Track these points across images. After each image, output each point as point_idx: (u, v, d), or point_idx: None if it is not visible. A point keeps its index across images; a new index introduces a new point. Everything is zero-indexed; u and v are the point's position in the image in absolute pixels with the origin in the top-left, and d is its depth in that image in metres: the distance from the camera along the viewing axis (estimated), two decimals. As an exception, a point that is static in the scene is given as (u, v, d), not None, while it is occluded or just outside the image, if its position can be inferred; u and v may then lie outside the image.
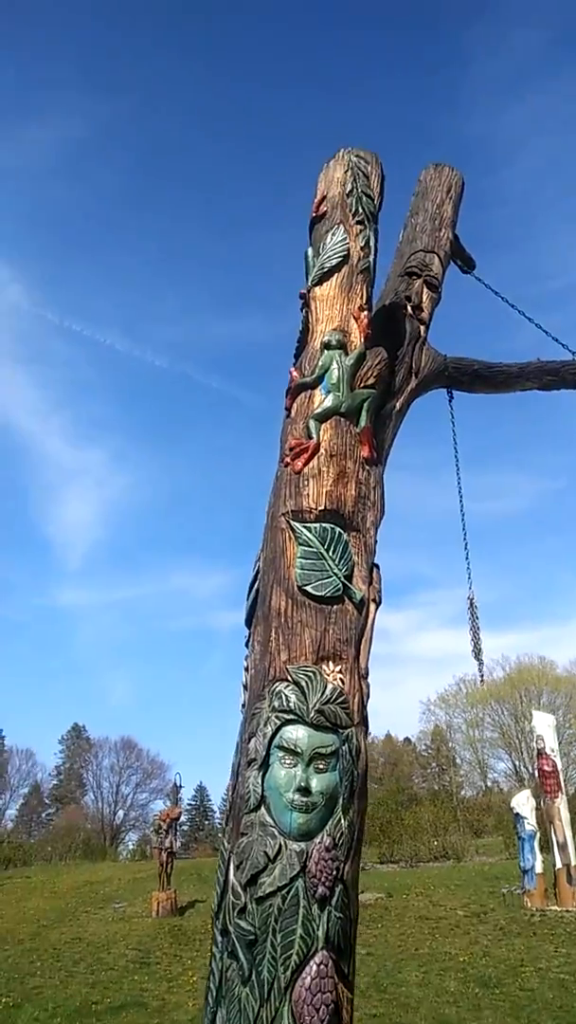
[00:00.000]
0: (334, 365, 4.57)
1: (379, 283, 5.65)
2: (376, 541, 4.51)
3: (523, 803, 20.35)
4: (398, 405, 5.20)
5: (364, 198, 5.07)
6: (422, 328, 5.55)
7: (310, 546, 4.13)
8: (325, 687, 3.77)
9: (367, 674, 4.11)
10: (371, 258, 5.03)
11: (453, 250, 6.17)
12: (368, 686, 4.08)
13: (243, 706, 4.12)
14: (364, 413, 4.55)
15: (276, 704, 3.74)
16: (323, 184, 5.28)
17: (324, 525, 4.19)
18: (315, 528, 4.17)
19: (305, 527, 4.18)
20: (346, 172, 5.13)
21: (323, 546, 4.13)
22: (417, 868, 31.03)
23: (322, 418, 4.45)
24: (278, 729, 3.69)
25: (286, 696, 3.74)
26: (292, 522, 4.21)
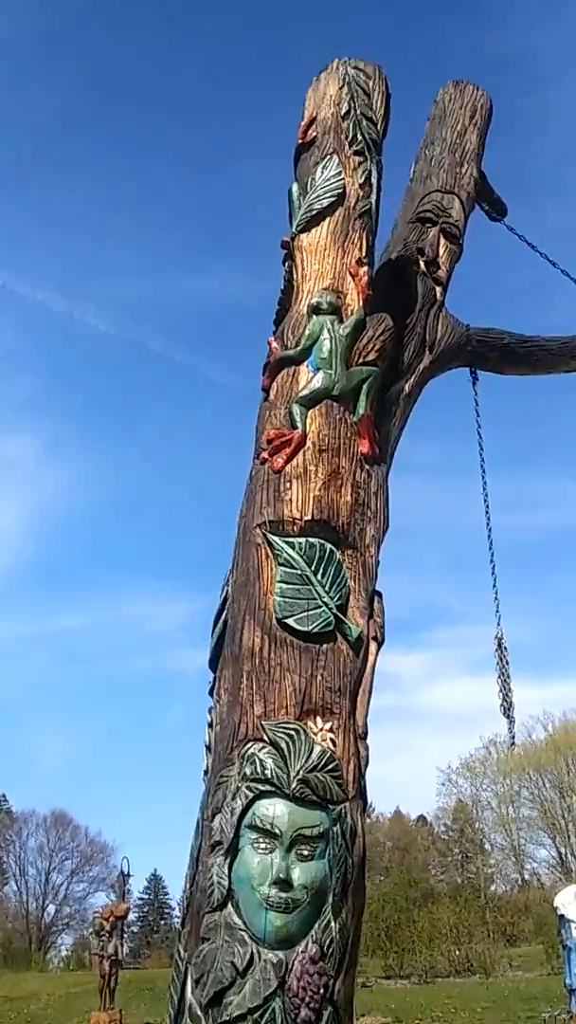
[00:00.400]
0: (325, 335, 4.59)
1: (383, 231, 5.70)
2: (378, 562, 4.52)
3: (570, 902, 20.36)
4: (407, 387, 5.23)
5: (364, 122, 5.12)
6: (438, 290, 5.59)
7: (293, 567, 4.13)
8: (311, 750, 3.76)
9: (365, 733, 4.11)
10: (373, 198, 5.06)
11: (478, 191, 6.23)
12: (367, 748, 4.07)
13: (206, 773, 4.10)
14: (363, 397, 4.57)
15: (248, 771, 3.72)
16: (312, 103, 5.31)
17: (311, 540, 4.20)
18: (299, 544, 4.17)
19: (287, 542, 4.18)
20: (341, 88, 5.17)
21: (309, 567, 4.13)
22: (434, 984, 30.99)
23: (309, 402, 4.46)
24: (250, 803, 3.68)
25: (260, 760, 3.73)
26: (270, 536, 4.21)
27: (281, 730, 3.79)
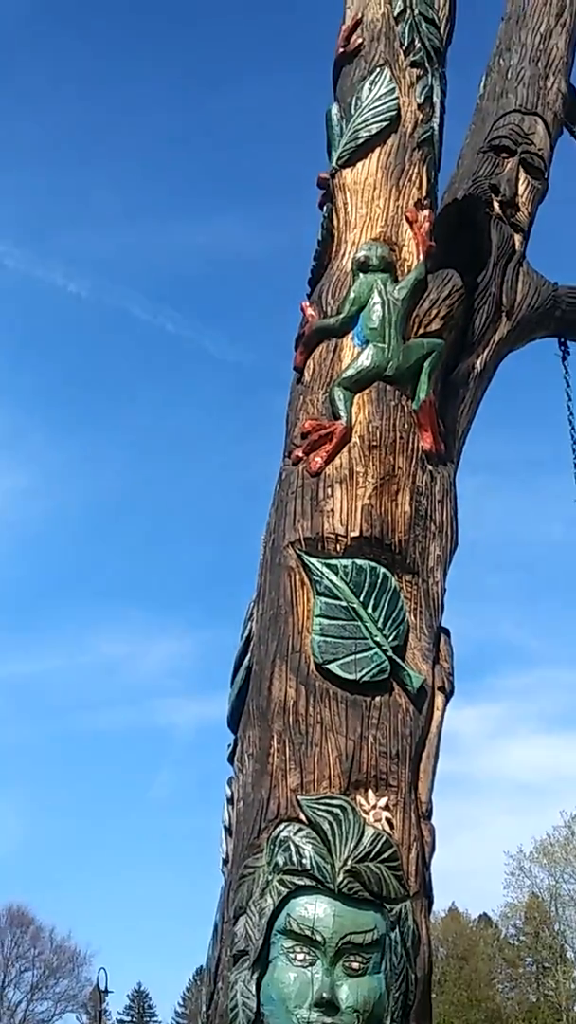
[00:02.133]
0: (375, 298, 4.60)
1: (448, 163, 5.71)
2: (444, 589, 4.53)
3: None
4: (479, 364, 5.22)
5: (423, 24, 5.14)
6: (518, 238, 5.59)
7: (336, 597, 4.14)
8: (361, 832, 3.76)
9: (430, 811, 4.11)
10: (435, 122, 5.07)
11: (568, 110, 6.23)
12: (433, 831, 4.08)
13: (225, 862, 4.11)
14: (424, 378, 4.58)
15: (281, 860, 3.73)
16: (355, 1, 5.34)
17: (359, 563, 4.20)
18: (344, 568, 4.19)
19: (328, 566, 4.19)
20: (393, -18, 5.20)
21: (357, 598, 4.14)
22: None
23: (356, 385, 4.48)
24: (284, 902, 3.68)
25: (297, 847, 3.73)
26: (306, 557, 4.23)
27: (323, 807, 3.79)
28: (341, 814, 3.79)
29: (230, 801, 4.20)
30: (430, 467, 4.54)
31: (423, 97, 5.03)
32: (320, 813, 3.79)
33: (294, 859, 3.72)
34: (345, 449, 4.38)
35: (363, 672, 4.04)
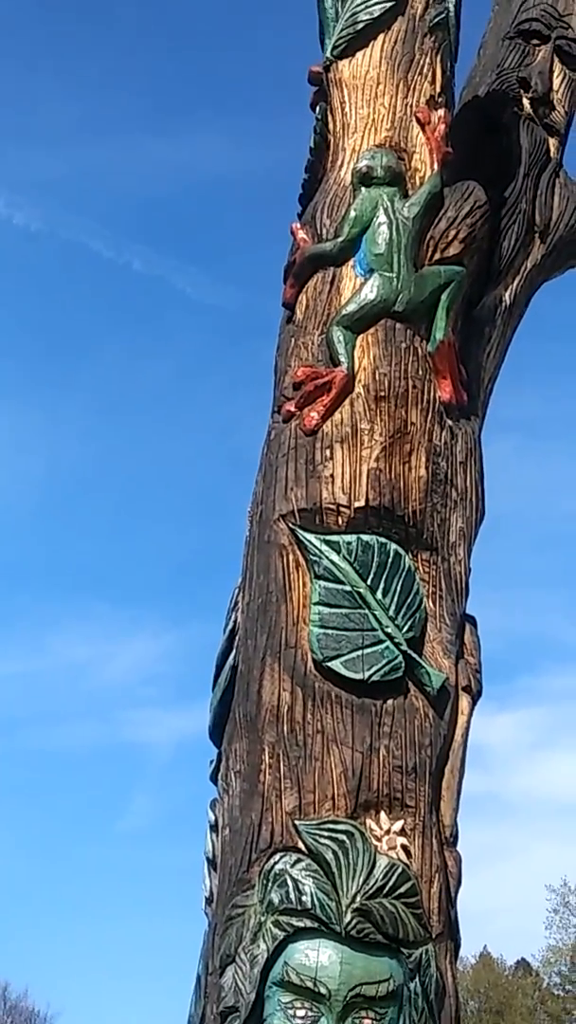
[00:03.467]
0: (381, 217, 4.58)
1: (467, 52, 5.66)
2: (469, 569, 4.53)
3: None
4: (508, 297, 5.20)
5: None
6: (553, 143, 5.55)
7: (339, 581, 4.14)
8: (372, 863, 3.77)
9: (456, 837, 4.12)
10: (450, 2, 5.02)
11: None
12: (459, 860, 4.10)
13: (208, 902, 4.12)
14: (442, 313, 4.57)
15: (275, 898, 3.73)
16: None
17: (365, 538, 4.21)
18: (348, 544, 4.19)
19: (328, 543, 4.19)
20: None
21: (364, 581, 4.14)
22: None
23: (359, 323, 4.46)
24: (280, 947, 3.69)
25: (295, 881, 3.73)
26: (301, 533, 4.22)
27: (326, 834, 3.79)
28: (348, 841, 3.79)
29: (214, 828, 4.21)
30: (450, 422, 4.54)
31: (434, -26, 4.98)
32: (322, 841, 3.79)
33: (292, 896, 3.72)
34: (347, 402, 4.38)
35: (372, 670, 4.03)
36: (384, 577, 4.18)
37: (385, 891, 3.75)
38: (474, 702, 4.33)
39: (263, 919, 3.74)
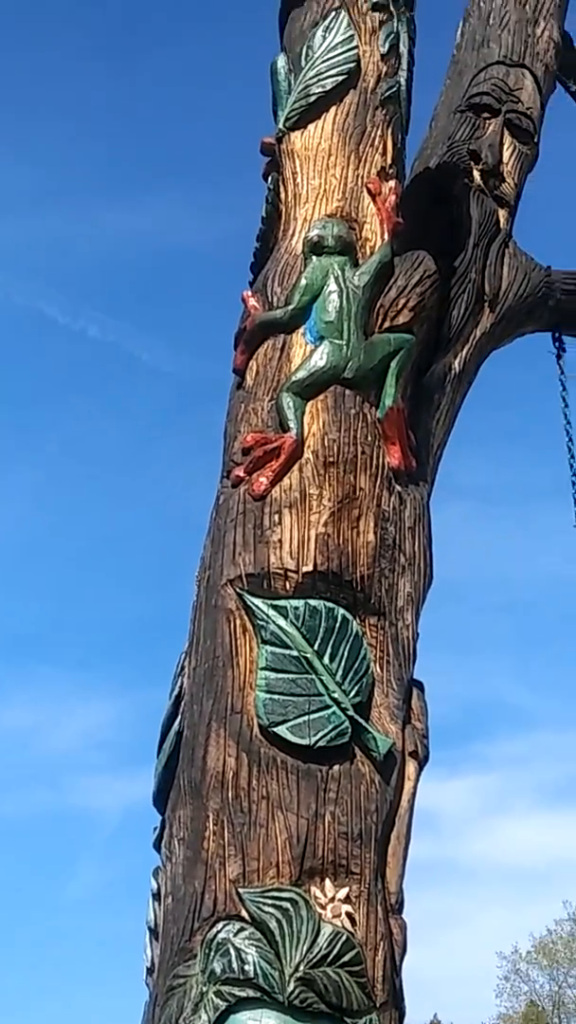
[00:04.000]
0: (331, 286, 4.62)
1: (418, 125, 5.75)
2: (417, 634, 4.53)
3: None
4: (458, 364, 5.25)
5: (387, -39, 5.19)
6: (503, 214, 5.64)
7: (286, 646, 4.13)
8: (317, 932, 3.74)
9: (401, 904, 4.09)
10: (402, 77, 5.12)
11: (561, 63, 6.31)
12: (404, 928, 4.07)
13: (150, 972, 4.07)
14: (391, 380, 4.61)
15: (218, 967, 3.69)
16: None
17: (313, 603, 4.20)
18: (295, 609, 4.18)
19: (276, 608, 4.19)
20: None
21: (311, 646, 4.13)
22: None
23: (309, 390, 4.49)
24: (223, 1018, 3.63)
25: (238, 951, 3.70)
26: (249, 598, 4.22)
27: (270, 901, 3.77)
28: (292, 909, 3.76)
29: (156, 896, 4.16)
30: (398, 487, 4.56)
31: (387, 46, 5.10)
32: (266, 909, 3.76)
33: (234, 966, 3.67)
34: (296, 467, 4.39)
35: (318, 735, 4.01)
36: (331, 642, 4.16)
37: (329, 960, 3.70)
38: (421, 768, 4.31)
39: (205, 989, 3.68)
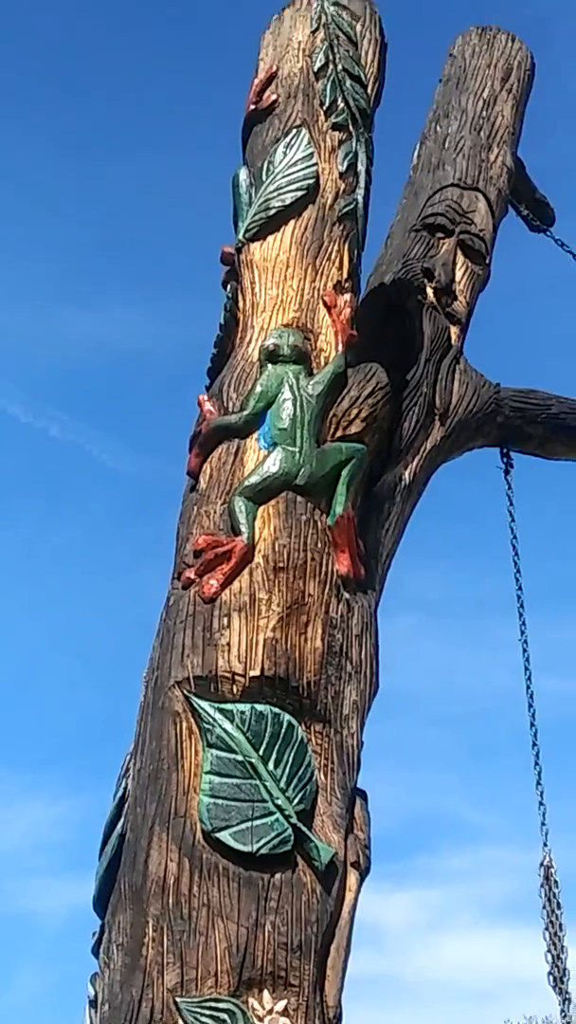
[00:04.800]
0: (286, 394, 4.68)
1: (374, 242, 5.86)
2: (361, 743, 4.51)
3: None
4: (408, 475, 5.32)
5: (348, 81, 5.35)
6: (454, 331, 5.75)
7: (231, 750, 4.11)
8: (254, 1046, 3.70)
9: (340, 1018, 4.03)
10: (359, 194, 5.24)
11: (513, 187, 6.47)
12: (343, 1042, 4.01)
13: None
14: (342, 489, 4.65)
15: (153, 1081, 3.64)
16: (271, 52, 5.56)
17: (259, 708, 4.19)
18: (242, 714, 4.17)
19: (222, 711, 4.17)
20: (315, 33, 5.43)
21: (256, 751, 4.11)
22: None
23: (261, 495, 4.52)
24: None
25: (174, 1063, 3.65)
26: (196, 700, 4.20)
27: (207, 1012, 3.71)
28: (229, 1021, 3.71)
29: (92, 1004, 4.07)
30: (347, 595, 4.57)
31: (346, 164, 5.21)
32: (203, 1019, 3.70)
33: (170, 1080, 3.62)
34: (246, 571, 4.40)
35: (260, 843, 3.97)
36: (276, 748, 4.14)
37: None
38: (362, 878, 4.26)
39: None
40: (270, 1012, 3.79)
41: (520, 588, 5.90)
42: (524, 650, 5.82)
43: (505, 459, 6.02)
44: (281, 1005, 3.81)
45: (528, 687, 5.75)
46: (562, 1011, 5.18)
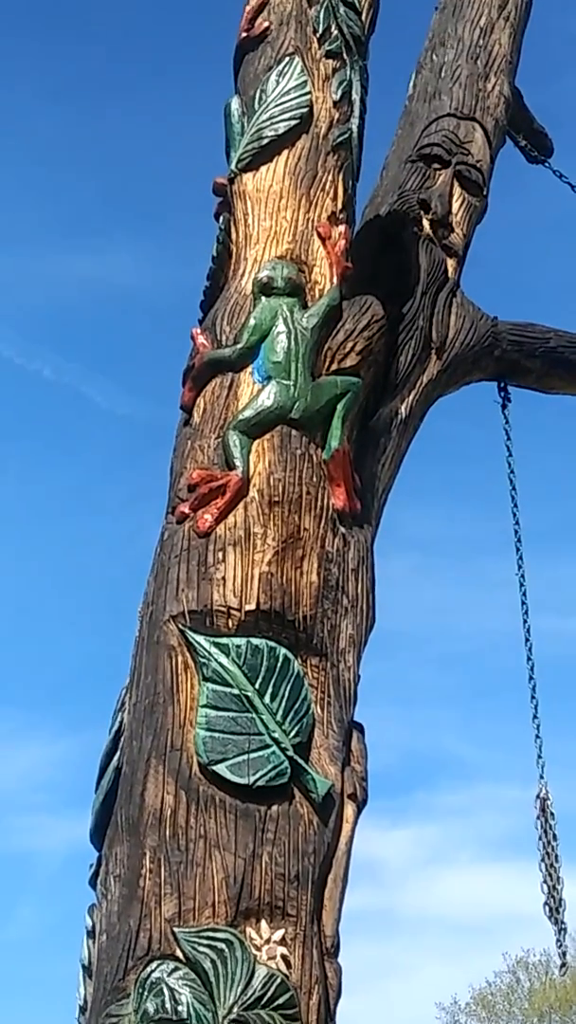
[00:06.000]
0: (280, 326, 4.65)
1: (370, 172, 5.81)
2: (358, 676, 4.52)
3: None
4: (404, 410, 5.29)
5: (342, 10, 5.26)
6: (451, 263, 5.70)
7: (226, 683, 4.11)
8: (251, 973, 3.70)
9: (337, 948, 4.06)
10: (354, 124, 5.17)
11: (511, 117, 6.41)
12: (339, 972, 4.03)
13: (82, 1011, 4.01)
14: (337, 422, 4.63)
15: (151, 1007, 3.64)
16: (262, -20, 5.45)
17: (255, 642, 4.19)
18: (237, 647, 4.17)
19: (217, 645, 4.17)
20: (307, -41, 5.32)
21: (252, 685, 4.11)
22: None
23: (255, 429, 4.50)
24: (155, 1059, 3.59)
25: (171, 991, 3.65)
26: (191, 634, 4.20)
27: (205, 942, 3.73)
28: (227, 950, 3.72)
29: (91, 934, 4.10)
30: (343, 529, 4.56)
31: (340, 93, 5.14)
32: (201, 949, 3.71)
33: (167, 1006, 3.62)
34: (241, 505, 4.39)
35: (257, 775, 3.98)
36: (272, 681, 4.14)
37: (263, 1002, 3.66)
38: (359, 810, 4.28)
39: (135, 1033, 3.64)
40: (268, 941, 3.81)
41: (518, 524, 5.90)
42: (521, 586, 5.84)
43: (502, 394, 6.01)
44: (279, 935, 3.83)
45: (525, 622, 5.77)
46: (558, 940, 5.26)
